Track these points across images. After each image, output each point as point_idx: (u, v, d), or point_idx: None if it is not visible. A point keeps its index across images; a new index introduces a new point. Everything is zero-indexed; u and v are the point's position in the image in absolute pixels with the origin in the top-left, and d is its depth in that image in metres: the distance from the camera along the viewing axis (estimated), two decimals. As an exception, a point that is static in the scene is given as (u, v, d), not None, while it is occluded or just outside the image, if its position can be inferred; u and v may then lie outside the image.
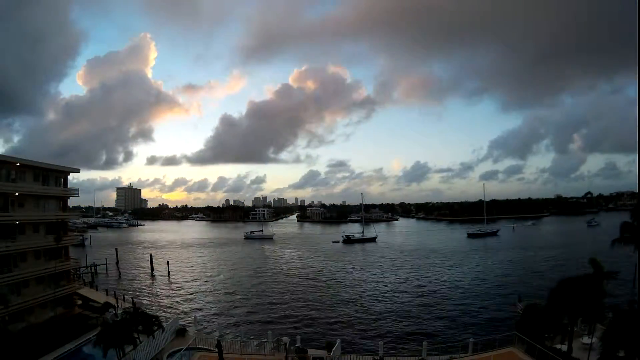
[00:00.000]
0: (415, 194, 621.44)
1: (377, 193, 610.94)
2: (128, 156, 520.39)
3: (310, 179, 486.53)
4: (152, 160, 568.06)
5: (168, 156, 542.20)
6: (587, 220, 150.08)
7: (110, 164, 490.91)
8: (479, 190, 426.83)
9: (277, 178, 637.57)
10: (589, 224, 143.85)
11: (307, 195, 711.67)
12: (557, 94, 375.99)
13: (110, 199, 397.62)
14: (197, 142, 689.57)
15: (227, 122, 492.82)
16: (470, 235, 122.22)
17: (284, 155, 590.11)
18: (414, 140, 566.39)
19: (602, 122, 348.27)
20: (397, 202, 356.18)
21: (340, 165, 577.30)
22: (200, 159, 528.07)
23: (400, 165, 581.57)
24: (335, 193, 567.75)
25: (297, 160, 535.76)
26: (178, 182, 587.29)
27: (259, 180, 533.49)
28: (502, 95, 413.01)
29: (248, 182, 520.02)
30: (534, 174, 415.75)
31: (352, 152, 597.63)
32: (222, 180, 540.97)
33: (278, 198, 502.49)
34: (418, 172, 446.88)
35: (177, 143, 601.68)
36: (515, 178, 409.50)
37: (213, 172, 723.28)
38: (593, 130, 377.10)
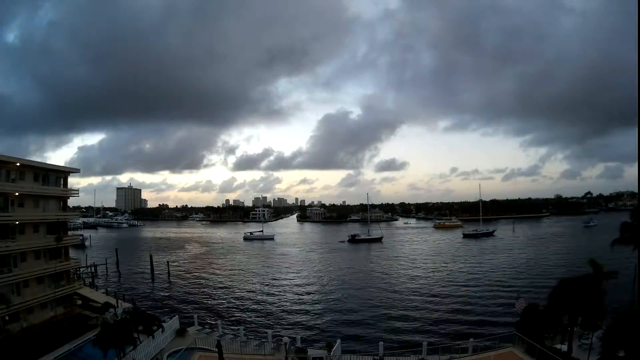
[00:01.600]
0: (429, 193, 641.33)
1: (393, 192, 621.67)
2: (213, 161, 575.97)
3: (347, 179, 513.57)
4: (237, 166, 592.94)
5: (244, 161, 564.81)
6: (585, 221, 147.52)
7: (191, 167, 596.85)
8: (497, 190, 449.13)
9: (326, 181, 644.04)
10: (585, 224, 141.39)
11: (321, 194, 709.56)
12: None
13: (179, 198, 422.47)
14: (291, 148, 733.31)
15: (317, 132, 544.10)
16: (465, 236, 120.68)
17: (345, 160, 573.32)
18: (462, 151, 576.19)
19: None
20: (414, 201, 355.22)
21: (388, 168, 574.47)
22: (276, 165, 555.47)
23: (441, 169, 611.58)
24: (360, 193, 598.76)
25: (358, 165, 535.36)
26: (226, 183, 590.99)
27: (309, 182, 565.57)
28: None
29: (297, 183, 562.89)
30: (546, 176, 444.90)
31: (410, 157, 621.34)
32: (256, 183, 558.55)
33: (278, 198, 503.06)
34: (450, 174, 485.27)
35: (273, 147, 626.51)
36: (530, 179, 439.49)
37: (285, 176, 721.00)
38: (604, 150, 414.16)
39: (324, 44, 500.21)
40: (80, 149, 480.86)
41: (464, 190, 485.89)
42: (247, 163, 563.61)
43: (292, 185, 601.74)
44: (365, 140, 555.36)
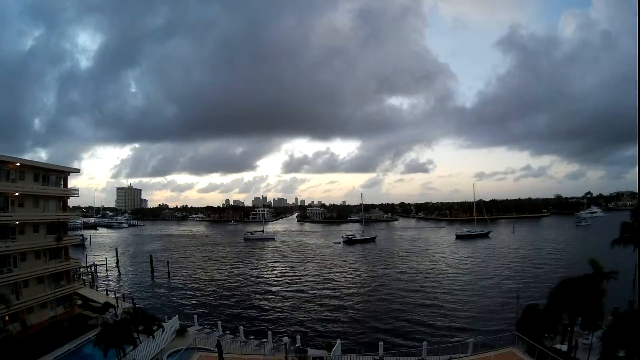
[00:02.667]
0: (439, 193, 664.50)
1: (401, 193, 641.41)
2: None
3: (374, 179, 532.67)
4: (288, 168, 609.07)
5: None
6: (576, 220, 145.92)
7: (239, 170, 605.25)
8: (506, 190, 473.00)
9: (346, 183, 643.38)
10: (577, 223, 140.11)
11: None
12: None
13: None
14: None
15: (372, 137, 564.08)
16: (458, 237, 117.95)
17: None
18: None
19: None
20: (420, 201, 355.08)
21: (418, 170, 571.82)
22: (323, 168, 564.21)
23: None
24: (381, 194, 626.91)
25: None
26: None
27: (334, 183, 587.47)
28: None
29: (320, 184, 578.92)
30: (552, 178, 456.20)
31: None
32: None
33: (278, 198, 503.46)
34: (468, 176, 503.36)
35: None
36: (536, 180, 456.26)
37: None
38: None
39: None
40: (136, 151, 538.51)
41: (472, 190, 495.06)
42: (297, 164, 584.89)
43: (315, 186, 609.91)
44: (408, 148, 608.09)
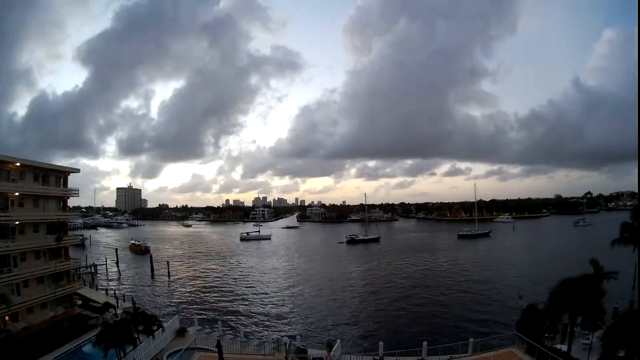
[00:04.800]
0: (452, 191, 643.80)
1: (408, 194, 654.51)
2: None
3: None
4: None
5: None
6: (574, 220, 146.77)
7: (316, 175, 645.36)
8: (506, 189, 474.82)
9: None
10: (575, 223, 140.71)
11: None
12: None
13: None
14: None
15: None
16: (460, 237, 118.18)
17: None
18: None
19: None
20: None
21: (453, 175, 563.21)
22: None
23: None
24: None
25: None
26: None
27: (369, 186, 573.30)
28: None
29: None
30: (553, 177, 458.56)
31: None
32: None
33: (278, 198, 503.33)
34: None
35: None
36: (539, 179, 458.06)
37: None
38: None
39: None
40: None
41: (480, 189, 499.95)
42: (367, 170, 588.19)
43: (349, 187, 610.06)
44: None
